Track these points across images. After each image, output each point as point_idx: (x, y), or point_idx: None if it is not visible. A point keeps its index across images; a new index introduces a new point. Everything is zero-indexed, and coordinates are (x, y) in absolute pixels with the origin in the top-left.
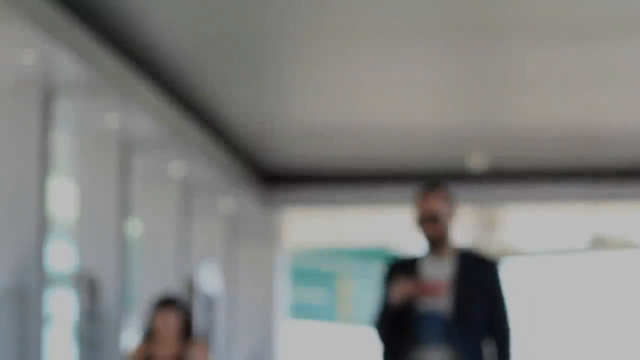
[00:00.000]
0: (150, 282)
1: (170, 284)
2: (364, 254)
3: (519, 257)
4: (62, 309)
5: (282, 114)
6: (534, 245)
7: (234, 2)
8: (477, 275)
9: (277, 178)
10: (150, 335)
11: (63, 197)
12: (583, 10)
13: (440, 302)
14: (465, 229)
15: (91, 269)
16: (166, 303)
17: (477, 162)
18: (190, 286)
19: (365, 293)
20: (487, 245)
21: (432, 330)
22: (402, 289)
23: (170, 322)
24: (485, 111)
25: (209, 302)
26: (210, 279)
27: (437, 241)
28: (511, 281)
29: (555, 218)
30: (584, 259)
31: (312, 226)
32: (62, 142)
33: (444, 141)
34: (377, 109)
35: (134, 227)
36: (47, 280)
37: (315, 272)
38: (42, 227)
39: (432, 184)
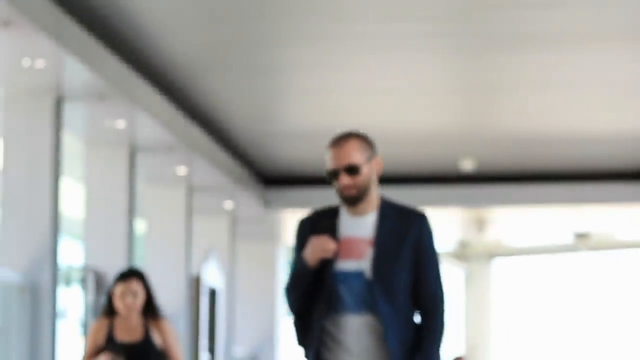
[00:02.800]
0: (157, 278)
1: (176, 280)
2: None
3: (508, 256)
4: (72, 303)
5: (282, 119)
6: (521, 244)
7: (236, 12)
8: (403, 232)
9: (277, 180)
10: (111, 310)
11: (73, 197)
12: (567, 22)
13: (361, 263)
14: (455, 228)
15: (99, 265)
16: (131, 274)
17: (467, 164)
18: (195, 282)
19: None
20: (476, 244)
21: (351, 294)
22: (316, 248)
23: (137, 293)
24: (476, 116)
25: (213, 298)
26: (213, 276)
27: (356, 197)
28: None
29: (540, 218)
30: (568, 258)
31: None
32: (72, 146)
33: (436, 145)
34: (373, 113)
35: (141, 226)
36: (59, 277)
37: None
38: (54, 227)
39: (346, 133)
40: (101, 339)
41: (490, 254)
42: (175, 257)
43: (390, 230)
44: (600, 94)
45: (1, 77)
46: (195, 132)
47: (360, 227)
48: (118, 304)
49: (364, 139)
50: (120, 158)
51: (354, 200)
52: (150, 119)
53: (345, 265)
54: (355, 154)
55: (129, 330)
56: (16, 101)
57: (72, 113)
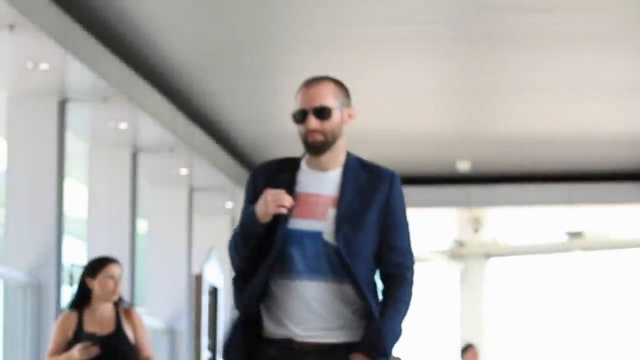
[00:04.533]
0: (159, 278)
1: (178, 280)
2: None
3: (503, 256)
4: None
5: (282, 121)
6: (516, 243)
7: (238, 15)
8: (370, 192)
9: None
10: (82, 300)
11: (76, 198)
12: (563, 24)
13: (320, 223)
14: (451, 228)
15: None
16: (110, 259)
17: (464, 165)
18: (196, 281)
19: None
20: (472, 244)
21: (306, 258)
22: (270, 202)
23: (119, 278)
24: (472, 118)
25: (214, 297)
26: (214, 275)
27: (322, 145)
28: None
29: (535, 218)
30: (562, 257)
31: None
32: (76, 147)
33: (433, 146)
34: (371, 115)
35: (143, 226)
36: (63, 276)
37: None
38: (58, 227)
39: (321, 75)
40: (70, 331)
41: (486, 254)
42: (176, 256)
43: (356, 189)
44: (594, 96)
45: (6, 79)
46: (197, 134)
47: (322, 183)
48: (101, 287)
49: (339, 84)
50: (122, 159)
51: (319, 148)
52: (152, 121)
53: (302, 224)
54: (328, 97)
55: (99, 322)
56: (20, 103)
57: (76, 115)
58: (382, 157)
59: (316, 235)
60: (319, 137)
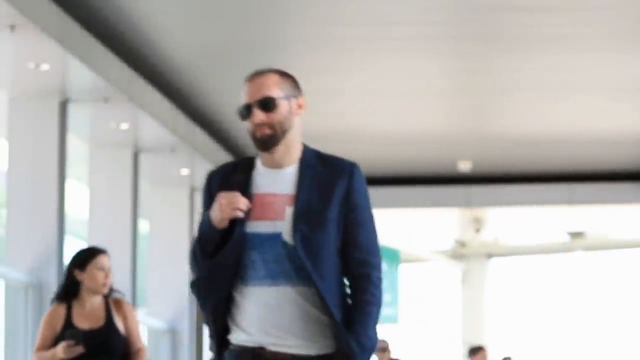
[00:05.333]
0: (160, 277)
1: (179, 280)
2: None
3: (504, 256)
4: None
5: None
6: (517, 243)
7: (238, 16)
8: (329, 186)
9: None
10: (70, 293)
11: (77, 198)
12: (564, 25)
13: (278, 224)
14: (452, 228)
15: None
16: (99, 250)
17: (465, 165)
18: None
19: None
20: (473, 244)
21: (265, 261)
22: (225, 206)
23: (109, 269)
24: (473, 118)
25: None
26: None
27: (272, 139)
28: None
29: (536, 218)
30: (563, 257)
31: None
32: (77, 147)
33: (434, 146)
34: (372, 115)
35: (144, 226)
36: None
37: None
38: (60, 227)
39: (265, 68)
40: (58, 326)
41: (487, 254)
42: (178, 256)
43: (314, 184)
44: (595, 96)
45: (7, 79)
46: (198, 134)
47: (278, 181)
48: (91, 279)
49: (285, 75)
50: (123, 159)
51: (268, 142)
52: (153, 121)
53: (261, 226)
54: (272, 88)
55: (89, 315)
56: (22, 103)
57: (77, 115)
58: (383, 157)
59: (276, 237)
60: (267, 131)
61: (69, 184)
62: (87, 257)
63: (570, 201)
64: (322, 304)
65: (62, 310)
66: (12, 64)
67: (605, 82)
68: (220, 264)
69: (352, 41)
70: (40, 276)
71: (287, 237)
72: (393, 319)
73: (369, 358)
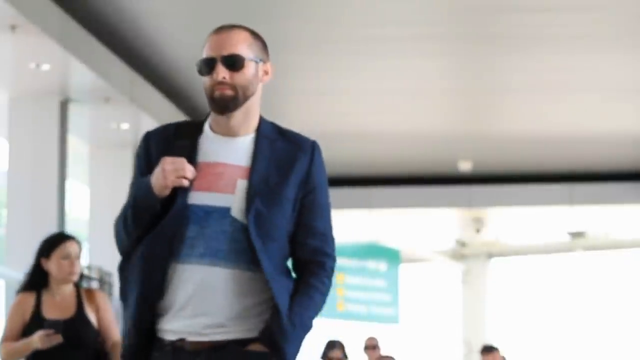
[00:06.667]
0: None
1: None
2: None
3: (505, 256)
4: None
5: (283, 121)
6: (518, 243)
7: (239, 16)
8: (288, 162)
9: None
10: (37, 282)
11: (78, 198)
12: (563, 25)
13: (227, 197)
14: (453, 228)
15: (103, 265)
16: (67, 236)
17: (466, 165)
18: None
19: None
20: (474, 244)
21: (209, 237)
22: (169, 173)
23: (78, 256)
24: (474, 118)
25: None
26: None
27: (232, 101)
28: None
29: (537, 217)
30: (564, 257)
31: None
32: (78, 148)
33: (435, 146)
34: (373, 115)
35: None
36: None
37: None
38: (60, 227)
39: (232, 23)
40: (27, 315)
41: (488, 254)
42: None
43: (272, 158)
44: (595, 96)
45: (7, 80)
46: None
47: (231, 150)
48: (57, 268)
49: (256, 36)
50: (124, 159)
51: (227, 105)
52: (153, 121)
53: (206, 199)
54: (241, 45)
55: (58, 305)
56: (22, 104)
57: (77, 115)
58: (383, 157)
59: (222, 212)
60: (228, 92)
61: (69, 184)
62: (52, 244)
63: (571, 201)
64: (262, 288)
65: (31, 299)
66: (12, 64)
67: (605, 82)
68: (158, 238)
69: (352, 41)
70: None
71: (237, 213)
72: (393, 319)
73: (299, 342)
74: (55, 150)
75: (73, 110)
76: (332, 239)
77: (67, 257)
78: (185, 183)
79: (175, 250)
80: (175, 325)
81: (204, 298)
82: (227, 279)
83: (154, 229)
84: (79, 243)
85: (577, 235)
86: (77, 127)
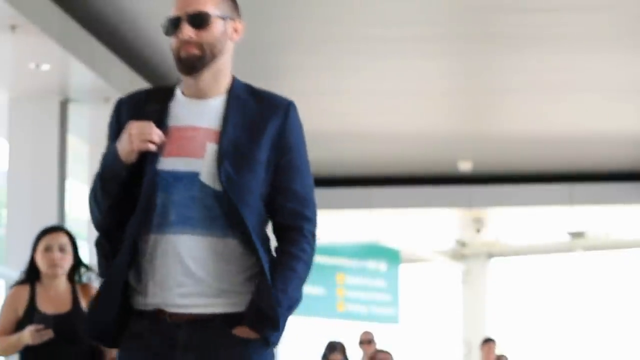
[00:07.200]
0: None
1: None
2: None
3: (505, 256)
4: None
5: None
6: (518, 243)
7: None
8: (260, 124)
9: None
10: (32, 274)
11: (78, 198)
12: (563, 25)
13: (197, 162)
14: (453, 228)
15: None
16: (57, 227)
17: (466, 165)
18: None
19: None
20: (474, 244)
21: (180, 204)
22: (135, 138)
23: (65, 247)
24: (474, 118)
25: None
26: None
27: (199, 61)
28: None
29: (537, 218)
30: (564, 257)
31: None
32: (78, 148)
33: (435, 146)
34: (373, 115)
35: None
36: None
37: (314, 267)
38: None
39: None
40: (20, 309)
41: (488, 254)
42: None
43: (244, 120)
44: (595, 96)
45: (7, 80)
46: None
47: (200, 113)
48: (41, 261)
49: None
50: None
51: (194, 64)
52: None
53: (176, 164)
54: (207, 3)
55: (53, 299)
56: (22, 104)
57: (77, 115)
58: (383, 157)
59: (192, 177)
60: (194, 51)
61: (69, 184)
62: (37, 237)
63: (571, 201)
64: (241, 258)
65: (24, 292)
66: (12, 64)
67: (605, 82)
68: (135, 208)
69: (352, 41)
70: None
71: (206, 178)
72: (393, 319)
73: (285, 318)
74: (55, 150)
75: (73, 110)
76: (313, 202)
77: (49, 249)
78: (152, 147)
79: (148, 220)
80: (152, 298)
81: (180, 268)
82: (201, 247)
83: (126, 199)
84: (68, 234)
85: (577, 235)
86: (77, 127)
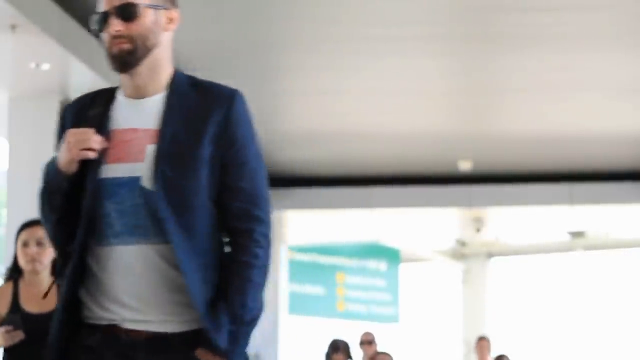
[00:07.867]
0: None
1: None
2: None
3: (505, 255)
4: None
5: (284, 121)
6: (518, 243)
7: (239, 16)
8: (202, 118)
9: (280, 181)
10: (16, 271)
11: None
12: (562, 24)
13: (137, 166)
14: (453, 228)
15: None
16: (24, 224)
17: (466, 165)
18: None
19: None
20: (474, 244)
21: (125, 212)
22: (72, 145)
23: (43, 241)
24: (474, 118)
25: None
26: None
27: (130, 55)
28: (498, 279)
29: (537, 217)
30: (564, 257)
31: (310, 224)
32: None
33: (435, 146)
34: (373, 115)
35: None
36: None
37: (314, 267)
38: None
39: None
40: (3, 308)
41: (488, 253)
42: None
43: (184, 116)
44: (595, 95)
45: (7, 79)
46: None
47: (141, 114)
48: (20, 258)
49: None
50: None
51: (126, 60)
52: None
53: (117, 170)
54: None
55: (36, 297)
56: (22, 103)
57: None
58: (383, 157)
59: (134, 182)
60: (125, 45)
61: None
62: (16, 234)
63: (571, 201)
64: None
65: (7, 291)
66: (12, 63)
67: (605, 81)
68: (81, 220)
69: (352, 41)
70: None
71: (147, 182)
72: (393, 319)
73: (248, 333)
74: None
75: None
76: (265, 201)
77: (26, 244)
78: (91, 155)
79: (95, 231)
80: (104, 312)
81: (125, 282)
82: (146, 259)
83: (70, 210)
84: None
85: (577, 235)
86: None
